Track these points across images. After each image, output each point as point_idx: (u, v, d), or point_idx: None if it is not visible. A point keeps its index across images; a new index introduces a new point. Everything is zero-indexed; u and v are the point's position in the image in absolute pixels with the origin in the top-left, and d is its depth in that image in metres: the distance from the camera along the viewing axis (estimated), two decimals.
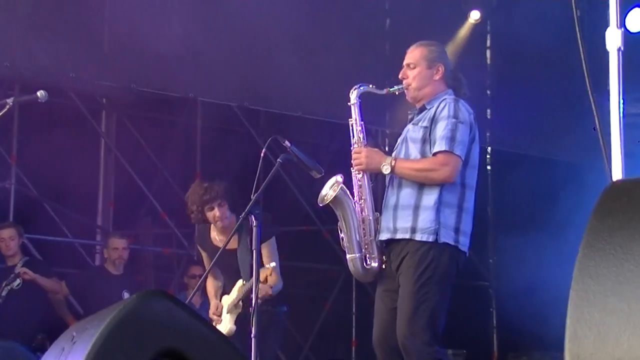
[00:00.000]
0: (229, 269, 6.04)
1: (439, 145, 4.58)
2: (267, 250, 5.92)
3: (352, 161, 4.79)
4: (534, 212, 9.21)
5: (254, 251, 5.10)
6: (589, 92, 2.99)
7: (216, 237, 6.16)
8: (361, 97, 4.87)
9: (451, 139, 4.57)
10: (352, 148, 4.83)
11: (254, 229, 5.13)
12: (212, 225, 6.18)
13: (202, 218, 6.11)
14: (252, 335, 4.91)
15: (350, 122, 4.87)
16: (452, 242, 4.60)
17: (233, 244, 5.94)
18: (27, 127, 8.76)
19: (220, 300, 6.15)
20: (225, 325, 6.02)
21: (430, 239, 4.57)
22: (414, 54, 4.85)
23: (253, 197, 5.20)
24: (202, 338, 2.51)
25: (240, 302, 5.95)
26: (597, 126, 2.88)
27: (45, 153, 8.64)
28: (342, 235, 4.76)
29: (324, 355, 10.54)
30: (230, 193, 6.11)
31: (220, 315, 6.07)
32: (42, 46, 8.25)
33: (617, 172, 2.86)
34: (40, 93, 5.65)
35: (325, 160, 9.16)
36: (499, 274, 10.42)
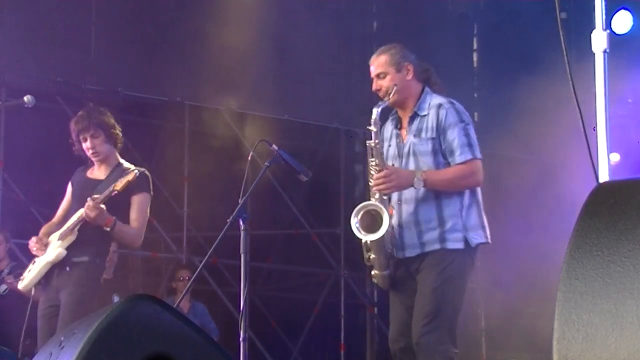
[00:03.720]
0: (85, 197, 5.59)
1: (463, 155, 4.63)
2: (137, 203, 5.61)
3: (378, 185, 4.59)
4: (523, 214, 9.22)
5: (243, 254, 5.07)
6: (573, 93, 3.00)
7: (94, 171, 5.80)
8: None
9: (469, 145, 4.65)
10: (370, 169, 4.66)
11: (242, 232, 5.09)
12: (94, 167, 5.82)
13: (81, 148, 5.72)
14: (241, 339, 4.90)
15: (369, 144, 4.67)
16: (483, 240, 4.66)
17: (100, 175, 5.73)
18: (14, 132, 8.74)
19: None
20: (53, 249, 5.63)
21: (461, 246, 4.60)
22: (379, 63, 4.80)
23: (241, 201, 5.19)
24: (190, 342, 2.51)
25: (77, 229, 5.59)
26: (583, 127, 2.89)
27: (33, 157, 8.62)
28: (369, 254, 4.68)
29: (313, 359, 10.53)
30: (107, 124, 5.70)
31: (43, 246, 5.65)
32: (29, 51, 8.23)
33: (603, 174, 2.87)
34: (27, 98, 5.64)
35: (313, 164, 9.19)
36: (486, 275, 10.42)
